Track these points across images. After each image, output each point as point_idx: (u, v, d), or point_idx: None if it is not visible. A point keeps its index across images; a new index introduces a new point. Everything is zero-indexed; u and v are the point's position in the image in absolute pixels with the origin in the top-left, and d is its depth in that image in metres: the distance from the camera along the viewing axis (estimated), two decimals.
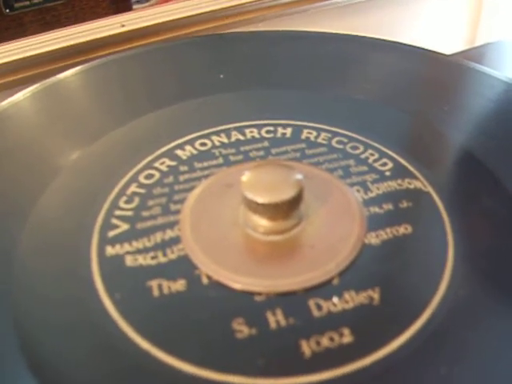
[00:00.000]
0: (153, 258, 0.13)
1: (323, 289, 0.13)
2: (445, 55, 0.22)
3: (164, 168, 0.16)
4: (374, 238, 0.14)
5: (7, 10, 0.27)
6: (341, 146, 0.17)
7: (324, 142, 0.17)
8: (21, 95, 0.20)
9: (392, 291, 0.13)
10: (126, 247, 0.14)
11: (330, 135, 0.17)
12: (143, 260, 0.13)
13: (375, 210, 0.15)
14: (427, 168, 0.16)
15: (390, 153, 0.17)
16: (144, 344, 0.11)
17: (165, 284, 0.13)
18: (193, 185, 0.16)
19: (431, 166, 0.16)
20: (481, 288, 0.13)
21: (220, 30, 0.29)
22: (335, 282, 0.13)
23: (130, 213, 0.15)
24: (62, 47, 0.26)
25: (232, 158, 0.17)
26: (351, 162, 0.16)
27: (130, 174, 0.16)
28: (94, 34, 0.26)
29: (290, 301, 0.12)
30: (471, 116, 0.19)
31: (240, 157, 0.17)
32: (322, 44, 0.23)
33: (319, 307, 0.12)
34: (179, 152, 0.17)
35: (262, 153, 0.17)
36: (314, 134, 0.18)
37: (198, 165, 0.16)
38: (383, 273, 0.13)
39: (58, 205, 0.15)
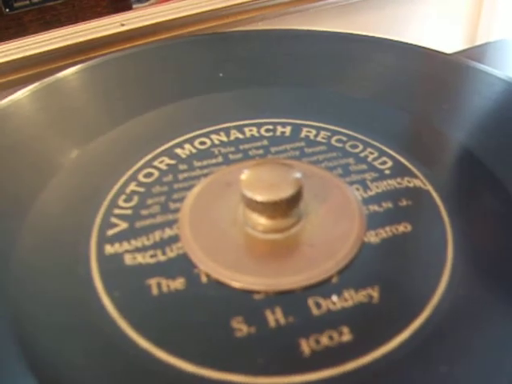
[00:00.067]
0: (152, 256, 0.13)
1: (322, 287, 0.13)
2: (444, 54, 0.22)
3: (163, 167, 0.16)
4: (373, 237, 0.14)
5: (7, 10, 0.27)
6: (340, 145, 0.17)
7: (323, 140, 0.17)
8: (20, 94, 0.20)
9: (391, 290, 0.13)
10: (125, 246, 0.14)
11: (329, 134, 0.17)
12: (142, 258, 0.13)
13: (375, 208, 0.15)
14: (427, 166, 0.16)
15: (390, 151, 0.17)
16: (143, 342, 0.11)
17: (164, 282, 0.13)
18: (192, 183, 0.16)
19: (431, 165, 0.16)
20: (480, 286, 0.13)
21: (220, 30, 0.29)
22: (334, 280, 0.13)
23: (129, 211, 0.15)
24: (62, 46, 0.26)
25: (231, 157, 0.17)
26: (350, 160, 0.16)
27: (130, 172, 0.16)
28: (94, 33, 0.26)
29: (290, 299, 0.12)
30: (471, 115, 0.19)
31: (239, 155, 0.17)
32: (321, 43, 0.23)
33: (318, 306, 0.12)
34: (178, 151, 0.17)
35: (261, 151, 0.17)
36: (314, 132, 0.18)
37: (197, 163, 0.16)
38: (382, 271, 0.13)
39: (57, 203, 0.15)
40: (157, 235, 0.14)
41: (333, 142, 0.17)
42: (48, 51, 0.25)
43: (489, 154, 0.17)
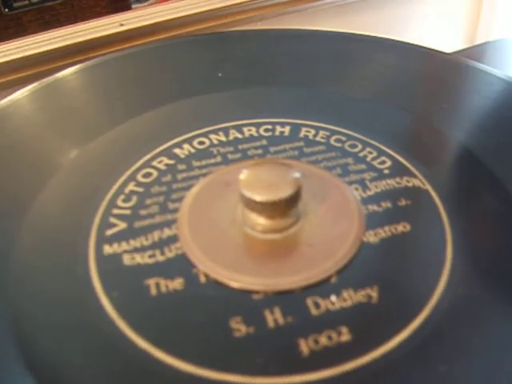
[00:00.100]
0: (150, 256, 0.13)
1: (321, 287, 0.13)
2: (444, 53, 0.22)
3: (162, 166, 0.16)
4: (372, 237, 0.14)
5: (6, 10, 0.27)
6: (339, 145, 0.17)
7: (322, 140, 0.17)
8: (20, 94, 0.20)
9: (390, 290, 0.13)
10: (124, 246, 0.14)
11: (328, 133, 0.17)
12: (141, 259, 0.13)
13: (374, 208, 0.15)
14: (426, 166, 0.16)
15: (389, 151, 0.17)
16: (141, 343, 0.11)
17: (162, 283, 0.13)
18: (191, 183, 0.15)
19: (430, 164, 0.16)
20: (479, 286, 0.13)
21: (219, 29, 0.29)
22: (333, 280, 0.13)
23: (127, 211, 0.15)
24: (61, 46, 0.26)
25: (230, 157, 0.17)
26: (349, 160, 0.16)
27: (128, 172, 0.16)
28: (93, 33, 0.26)
29: (288, 299, 0.12)
30: (470, 114, 0.19)
31: (238, 155, 0.17)
32: (320, 42, 0.23)
33: (317, 306, 0.12)
34: (177, 150, 0.17)
35: (260, 151, 0.17)
36: (313, 132, 0.18)
37: (196, 163, 0.16)
38: (381, 271, 0.13)
39: (56, 203, 0.15)
40: (155, 235, 0.14)
41: (332, 141, 0.17)
42: (47, 51, 0.25)
43: (488, 153, 0.17)
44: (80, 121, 0.18)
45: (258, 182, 0.13)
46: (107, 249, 0.14)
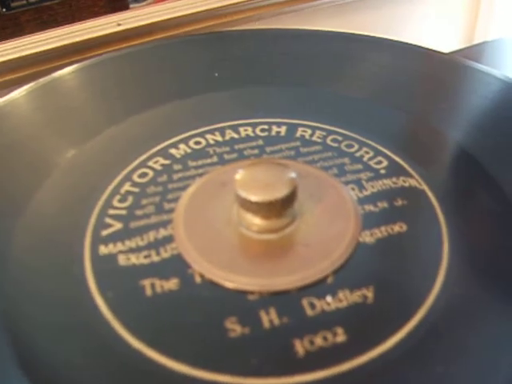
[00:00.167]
0: (146, 257, 0.13)
1: (317, 288, 0.13)
2: (441, 53, 0.22)
3: (158, 167, 0.16)
4: (368, 237, 0.14)
5: (4, 10, 0.27)
6: (335, 144, 0.17)
7: (319, 140, 0.17)
8: (17, 93, 0.20)
9: (386, 290, 0.13)
10: (119, 246, 0.14)
11: (324, 133, 0.17)
12: (136, 259, 0.13)
13: (370, 208, 0.15)
14: (422, 166, 0.16)
15: (385, 151, 0.17)
16: (136, 343, 0.11)
17: (157, 283, 0.13)
18: (187, 183, 0.15)
19: (426, 164, 0.16)
20: (476, 286, 0.13)
21: (216, 29, 0.29)
22: (329, 280, 0.13)
23: (123, 212, 0.15)
24: (59, 46, 0.26)
25: (226, 157, 0.17)
26: (346, 160, 0.16)
27: (124, 172, 0.16)
28: (91, 33, 0.26)
29: (284, 300, 0.12)
30: (468, 114, 0.19)
31: (234, 155, 0.17)
32: (317, 42, 0.23)
33: (313, 306, 0.12)
34: (173, 151, 0.17)
35: (256, 151, 0.17)
36: (309, 132, 0.17)
37: (192, 163, 0.16)
38: (378, 271, 0.13)
39: (52, 203, 0.15)
40: (151, 235, 0.14)
41: (328, 141, 0.17)
42: (45, 51, 0.25)
43: (485, 153, 0.17)
44: (76, 120, 0.18)
45: (253, 182, 0.13)
46: (103, 249, 0.14)
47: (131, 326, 0.12)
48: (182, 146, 0.17)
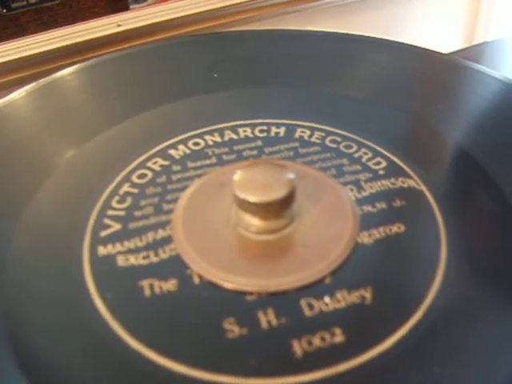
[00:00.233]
0: (144, 257, 0.13)
1: (315, 288, 0.13)
2: (440, 54, 0.22)
3: (157, 167, 0.16)
4: (366, 238, 0.14)
5: (4, 10, 0.27)
6: (334, 145, 0.17)
7: (317, 141, 0.17)
8: (17, 94, 0.20)
9: (384, 290, 0.13)
10: (118, 247, 0.14)
11: (323, 134, 0.17)
12: (135, 260, 0.13)
13: (368, 209, 0.15)
14: (421, 167, 0.16)
15: (384, 152, 0.17)
16: (135, 344, 0.11)
17: (156, 284, 0.13)
18: (186, 184, 0.15)
19: (425, 165, 0.16)
20: (474, 286, 0.13)
21: (217, 30, 0.29)
22: (327, 281, 0.13)
23: (122, 212, 0.15)
24: (59, 47, 0.26)
25: (225, 158, 0.17)
26: (344, 160, 0.16)
27: (123, 173, 0.16)
28: (91, 33, 0.26)
29: (282, 300, 0.12)
30: (467, 115, 0.19)
31: (233, 156, 0.17)
32: (317, 43, 0.23)
33: (311, 307, 0.12)
34: (172, 151, 0.17)
35: (255, 152, 0.17)
36: (308, 133, 0.17)
37: (190, 164, 0.16)
38: (376, 272, 0.13)
39: (52, 204, 0.15)
40: (150, 236, 0.14)
41: (327, 142, 0.17)
42: (45, 52, 0.25)
43: (484, 154, 0.17)
44: (76, 121, 0.18)
45: (251, 182, 0.13)
46: (101, 250, 0.14)
47: (130, 327, 0.12)
48: (181, 146, 0.17)
